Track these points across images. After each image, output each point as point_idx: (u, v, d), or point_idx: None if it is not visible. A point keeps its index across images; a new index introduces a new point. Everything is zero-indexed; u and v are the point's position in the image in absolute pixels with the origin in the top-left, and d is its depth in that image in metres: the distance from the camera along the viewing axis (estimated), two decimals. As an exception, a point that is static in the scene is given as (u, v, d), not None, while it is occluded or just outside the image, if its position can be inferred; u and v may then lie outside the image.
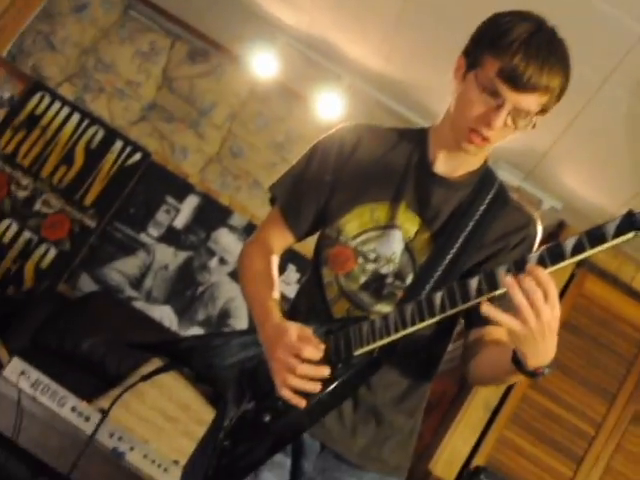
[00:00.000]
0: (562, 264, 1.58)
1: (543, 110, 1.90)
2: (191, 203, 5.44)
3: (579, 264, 4.99)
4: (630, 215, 1.52)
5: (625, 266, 5.14)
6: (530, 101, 1.86)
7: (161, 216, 5.39)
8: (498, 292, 1.65)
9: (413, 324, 1.77)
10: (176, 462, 3.43)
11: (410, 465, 2.11)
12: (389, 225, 2.02)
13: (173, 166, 5.48)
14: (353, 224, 2.05)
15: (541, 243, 1.92)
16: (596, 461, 4.81)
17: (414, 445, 2.11)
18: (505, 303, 1.62)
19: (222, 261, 5.35)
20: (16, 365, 3.41)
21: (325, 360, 1.85)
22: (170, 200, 5.42)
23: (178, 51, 5.67)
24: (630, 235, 1.52)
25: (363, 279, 2.02)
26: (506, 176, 4.78)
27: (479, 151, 2.00)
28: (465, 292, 1.69)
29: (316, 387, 1.84)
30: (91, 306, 4.93)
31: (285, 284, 5.22)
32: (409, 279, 1.99)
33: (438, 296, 1.73)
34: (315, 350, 1.83)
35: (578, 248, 1.56)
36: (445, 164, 2.06)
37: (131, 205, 5.39)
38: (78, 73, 5.60)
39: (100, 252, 5.31)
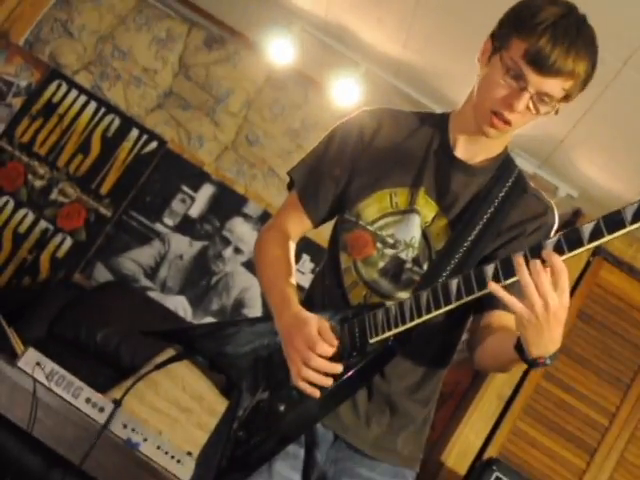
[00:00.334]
0: (579, 250, 1.56)
1: (567, 96, 1.88)
2: (206, 192, 5.42)
3: (594, 252, 4.96)
4: (648, 199, 1.49)
5: (640, 254, 5.10)
6: (554, 85, 1.84)
7: (176, 205, 5.38)
8: (514, 279, 1.62)
9: (429, 312, 1.76)
10: (189, 453, 3.42)
11: (423, 456, 2.10)
12: (408, 210, 2.01)
13: (189, 154, 5.47)
14: (372, 209, 2.03)
15: (557, 231, 1.90)
16: (609, 452, 4.77)
17: (427, 435, 2.11)
18: (518, 289, 1.60)
19: (237, 250, 5.33)
20: (31, 356, 3.40)
21: (340, 349, 1.85)
22: (185, 189, 5.41)
23: (194, 38, 5.65)
24: None
25: (382, 264, 2.01)
26: (522, 163, 4.74)
27: (500, 135, 1.98)
28: (481, 279, 1.67)
29: (328, 382, 1.83)
30: (106, 296, 4.93)
31: (300, 273, 5.20)
32: (425, 265, 1.98)
33: (454, 283, 1.71)
34: (329, 347, 1.83)
35: (596, 234, 1.53)
36: (465, 149, 2.04)
37: (147, 194, 5.38)
38: (95, 61, 5.60)
39: (115, 241, 5.31)
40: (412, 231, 2.00)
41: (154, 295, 5.21)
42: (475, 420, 4.87)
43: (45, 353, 3.46)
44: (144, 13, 5.66)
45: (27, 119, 5.41)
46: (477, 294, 1.68)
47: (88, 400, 3.39)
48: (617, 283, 5.03)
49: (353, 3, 4.65)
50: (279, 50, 5.12)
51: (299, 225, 2.17)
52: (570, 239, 1.56)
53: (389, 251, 2.01)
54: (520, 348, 1.68)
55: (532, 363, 1.68)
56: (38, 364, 3.38)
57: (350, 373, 1.85)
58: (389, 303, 1.85)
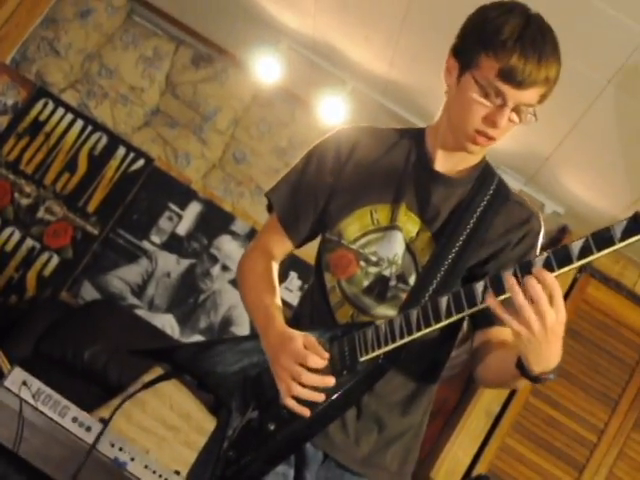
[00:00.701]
0: (569, 267, 1.55)
1: (543, 99, 1.90)
2: (194, 210, 5.42)
3: (581, 269, 4.97)
4: (637, 217, 1.49)
5: (627, 271, 5.12)
6: (531, 95, 1.86)
7: (164, 223, 5.38)
8: (504, 296, 1.62)
9: (419, 329, 1.75)
10: (177, 472, 3.41)
11: (413, 471, 2.09)
12: (390, 226, 2.01)
13: (176, 172, 5.47)
14: (353, 227, 2.03)
15: (544, 248, 1.90)
16: (598, 468, 4.78)
17: (418, 450, 2.10)
18: (509, 302, 1.60)
19: (224, 268, 5.33)
20: (18, 375, 3.38)
21: (330, 367, 1.84)
22: (173, 207, 5.40)
23: (182, 56, 5.66)
24: (637, 237, 1.49)
25: (366, 283, 2.01)
26: (508, 180, 4.67)
27: (483, 150, 2.00)
28: (471, 296, 1.67)
29: (320, 397, 1.82)
30: (93, 314, 4.91)
31: (288, 291, 5.19)
32: (412, 280, 1.97)
33: (444, 301, 1.71)
34: (320, 359, 1.82)
35: (585, 251, 1.53)
36: (444, 162, 2.05)
37: (134, 212, 5.37)
38: (82, 79, 5.59)
39: (102, 259, 5.30)
40: (395, 248, 1.99)
41: (141, 313, 5.20)
42: (463, 437, 4.87)
43: (32, 372, 3.43)
44: (131, 32, 5.67)
45: (14, 137, 5.41)
46: (467, 312, 1.68)
47: (75, 419, 3.37)
48: (604, 300, 5.05)
49: (340, 21, 4.66)
50: (266, 68, 5.12)
51: (281, 246, 2.17)
52: (559, 256, 1.56)
53: (373, 269, 2.00)
54: (522, 366, 1.68)
55: (535, 380, 1.68)
56: (24, 383, 3.36)
57: (340, 392, 1.84)
58: (379, 321, 1.85)
